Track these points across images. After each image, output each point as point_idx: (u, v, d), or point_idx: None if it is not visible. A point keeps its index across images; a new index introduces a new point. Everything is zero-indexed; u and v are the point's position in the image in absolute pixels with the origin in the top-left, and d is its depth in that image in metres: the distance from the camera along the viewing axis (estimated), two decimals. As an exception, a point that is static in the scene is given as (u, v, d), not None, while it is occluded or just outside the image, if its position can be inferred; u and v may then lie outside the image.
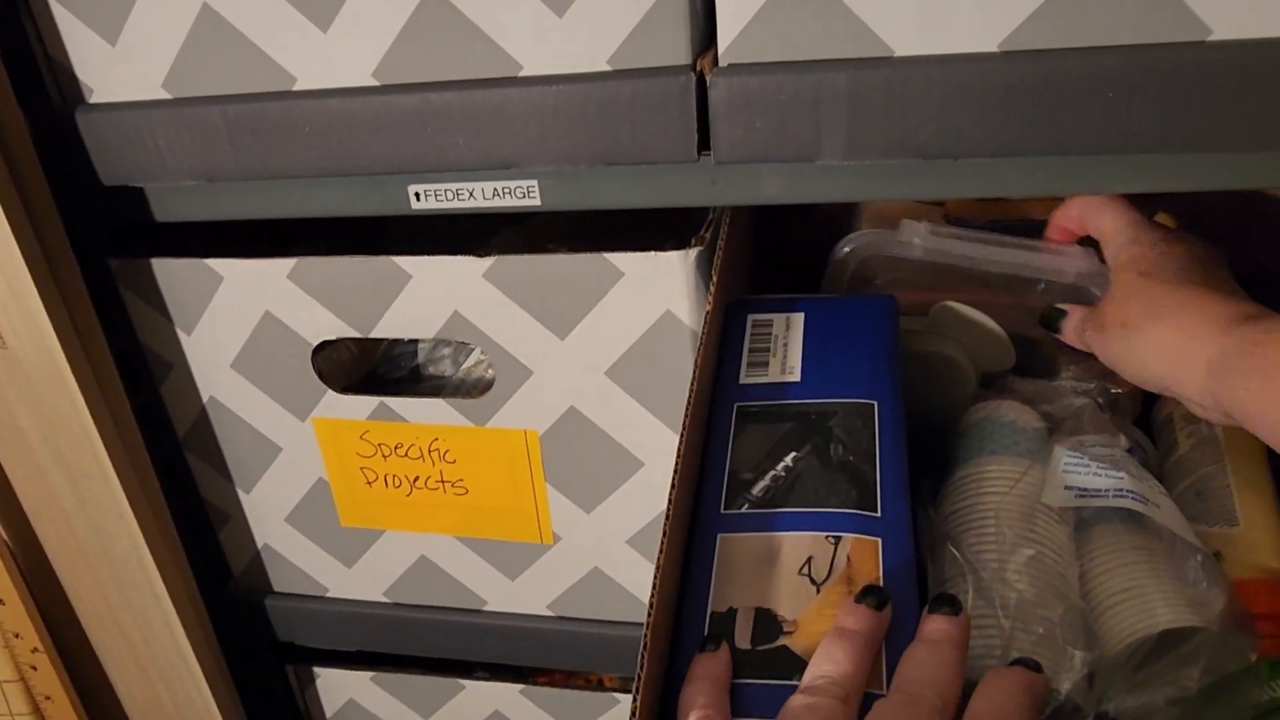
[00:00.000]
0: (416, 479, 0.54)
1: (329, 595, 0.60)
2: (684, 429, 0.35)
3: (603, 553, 0.54)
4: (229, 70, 0.43)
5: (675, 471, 0.34)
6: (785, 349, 0.42)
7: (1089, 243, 0.47)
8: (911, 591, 0.32)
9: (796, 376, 0.41)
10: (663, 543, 0.31)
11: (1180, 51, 0.33)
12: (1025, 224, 0.50)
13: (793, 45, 0.37)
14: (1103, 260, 0.45)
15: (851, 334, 0.42)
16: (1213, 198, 0.52)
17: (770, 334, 0.43)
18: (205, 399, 0.54)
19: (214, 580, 0.61)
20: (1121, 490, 0.37)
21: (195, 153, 0.45)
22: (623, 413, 0.48)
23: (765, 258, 0.60)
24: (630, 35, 0.38)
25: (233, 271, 0.49)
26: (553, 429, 0.50)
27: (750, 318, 0.44)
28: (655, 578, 0.30)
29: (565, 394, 0.49)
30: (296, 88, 0.43)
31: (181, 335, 0.52)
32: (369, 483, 0.55)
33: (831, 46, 0.37)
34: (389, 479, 0.54)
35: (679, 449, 0.35)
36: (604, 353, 0.47)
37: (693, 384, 0.37)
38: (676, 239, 0.45)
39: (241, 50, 0.42)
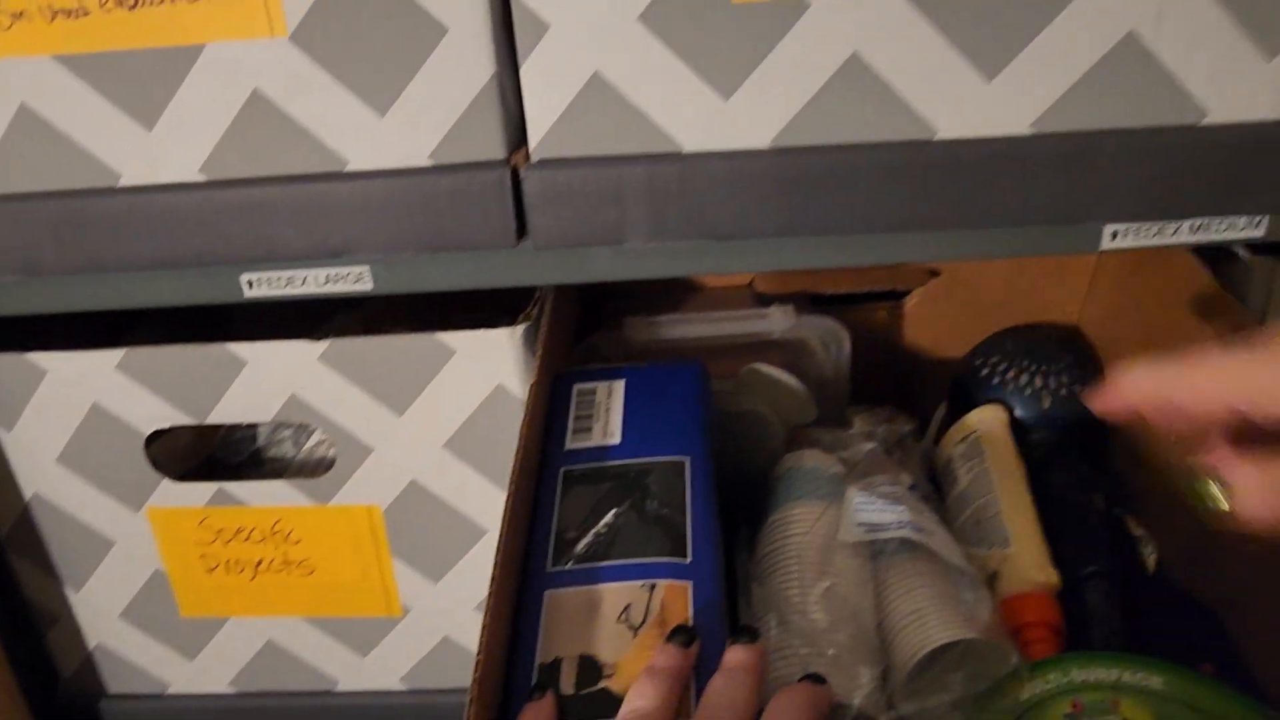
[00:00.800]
0: (260, 562, 0.54)
1: (169, 692, 0.59)
2: (509, 495, 0.38)
3: (452, 621, 0.55)
4: (50, 168, 0.43)
5: (501, 535, 0.36)
6: (607, 415, 0.46)
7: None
8: (720, 628, 0.35)
9: (617, 439, 0.44)
10: (489, 602, 0.34)
11: (914, 148, 0.39)
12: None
13: (596, 142, 0.41)
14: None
15: (666, 398, 0.46)
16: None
17: (594, 401, 0.47)
18: (28, 496, 0.53)
19: (40, 684, 0.58)
20: (902, 523, 0.42)
21: (15, 249, 0.45)
22: (463, 483, 0.50)
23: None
24: (449, 133, 0.42)
25: (56, 365, 0.49)
26: (396, 503, 0.51)
27: (576, 387, 0.48)
28: (481, 636, 0.33)
29: (406, 468, 0.50)
30: (122, 184, 0.44)
31: (0, 432, 0.51)
32: (209, 570, 0.54)
33: (630, 143, 0.41)
34: (230, 564, 0.54)
35: (505, 514, 0.37)
36: (441, 427, 0.49)
37: (518, 452, 0.40)
38: (508, 316, 0.49)
39: (63, 148, 0.43)
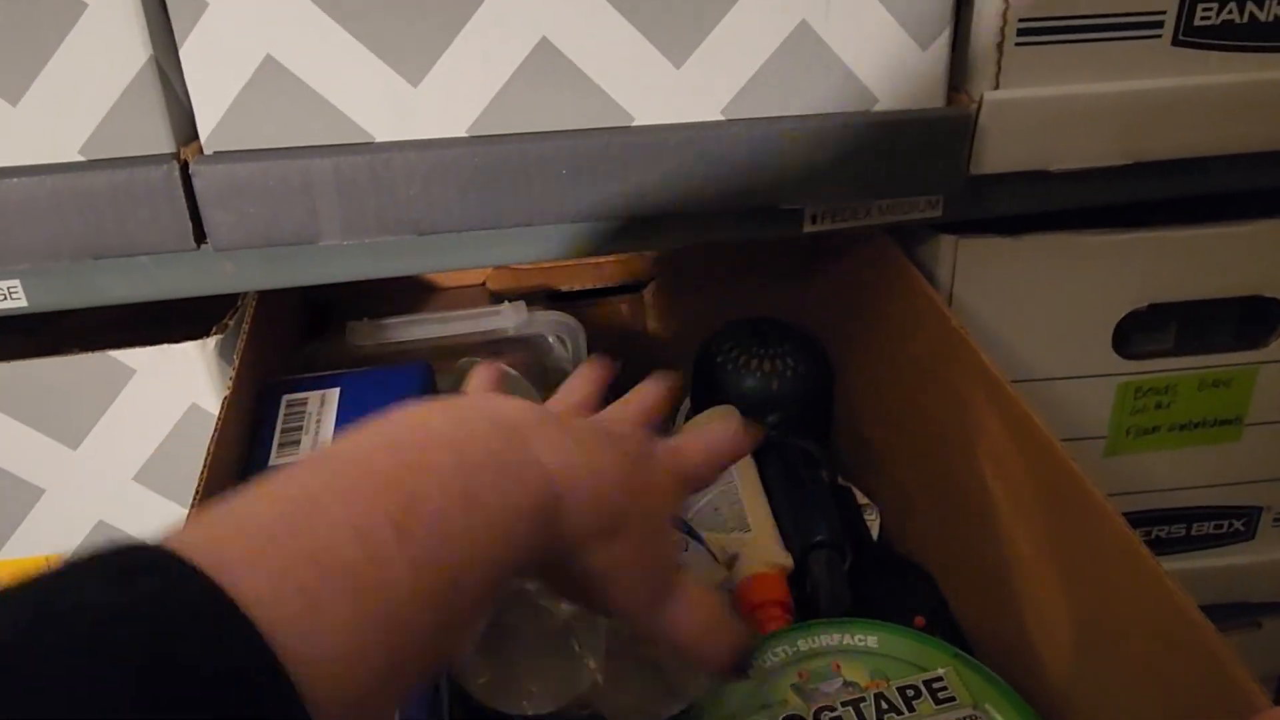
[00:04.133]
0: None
1: None
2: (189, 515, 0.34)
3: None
4: None
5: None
6: (319, 425, 0.42)
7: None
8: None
9: (330, 452, 0.41)
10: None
11: (612, 135, 0.39)
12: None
13: (277, 133, 0.38)
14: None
15: (384, 403, 0.43)
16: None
17: (304, 412, 0.43)
18: None
19: None
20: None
21: None
22: (160, 517, 0.45)
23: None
24: (102, 124, 0.37)
25: None
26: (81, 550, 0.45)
27: (285, 398, 0.44)
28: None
29: (89, 508, 0.44)
30: None
31: None
32: None
33: (315, 133, 0.38)
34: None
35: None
36: (128, 457, 0.43)
37: (202, 472, 0.36)
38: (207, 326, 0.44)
39: None
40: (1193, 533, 0.62)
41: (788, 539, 0.49)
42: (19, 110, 0.36)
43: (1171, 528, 0.62)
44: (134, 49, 0.36)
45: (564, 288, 0.59)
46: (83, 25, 0.35)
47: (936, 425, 0.46)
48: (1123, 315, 0.54)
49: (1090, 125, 0.44)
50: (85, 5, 0.35)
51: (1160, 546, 0.62)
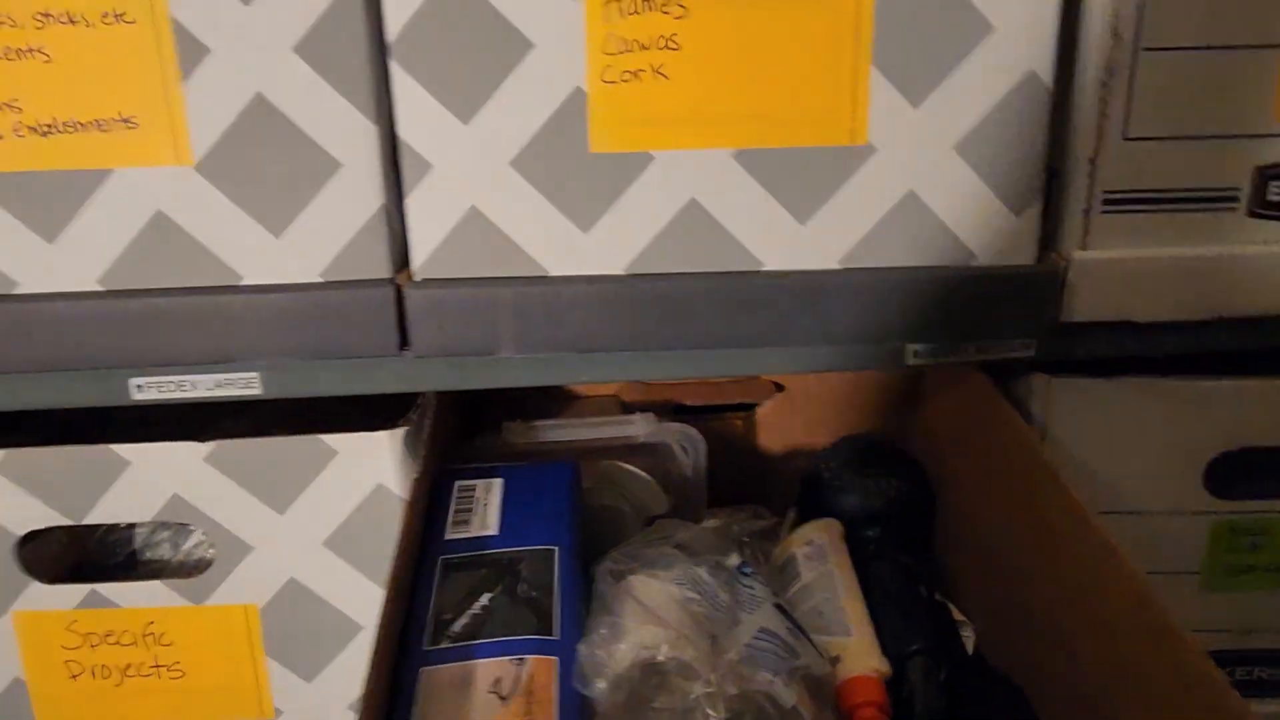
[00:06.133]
0: (128, 667, 0.54)
1: (17, 811, 0.56)
2: (390, 580, 0.41)
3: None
4: (-52, 277, 0.46)
5: (381, 616, 0.39)
6: (485, 508, 0.50)
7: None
8: (583, 697, 0.39)
9: (495, 531, 0.48)
10: (368, 675, 0.36)
11: (744, 277, 0.47)
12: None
13: (472, 265, 0.47)
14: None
15: (540, 494, 0.50)
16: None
17: (473, 497, 0.51)
18: (-116, 602, 0.52)
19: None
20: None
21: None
22: (340, 580, 0.53)
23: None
24: (340, 254, 0.47)
25: (-69, 466, 0.49)
26: (272, 602, 0.53)
27: (457, 484, 0.52)
28: (359, 708, 0.35)
29: (285, 567, 0.52)
30: (17, 291, 0.46)
31: None
32: (73, 676, 0.54)
33: (502, 267, 0.47)
34: (96, 670, 0.54)
35: (386, 596, 0.40)
36: (322, 525, 0.52)
37: (400, 540, 0.43)
38: (390, 420, 0.52)
39: (-38, 259, 0.45)
40: (1296, 677, 0.63)
41: (886, 647, 0.53)
42: (280, 241, 0.46)
43: (1274, 670, 0.63)
44: (372, 199, 0.46)
45: (687, 402, 0.66)
46: (337, 179, 0.46)
47: (1026, 551, 0.50)
48: (1213, 456, 0.57)
49: (1172, 283, 0.49)
50: (340, 164, 0.45)
51: (1260, 688, 0.63)
